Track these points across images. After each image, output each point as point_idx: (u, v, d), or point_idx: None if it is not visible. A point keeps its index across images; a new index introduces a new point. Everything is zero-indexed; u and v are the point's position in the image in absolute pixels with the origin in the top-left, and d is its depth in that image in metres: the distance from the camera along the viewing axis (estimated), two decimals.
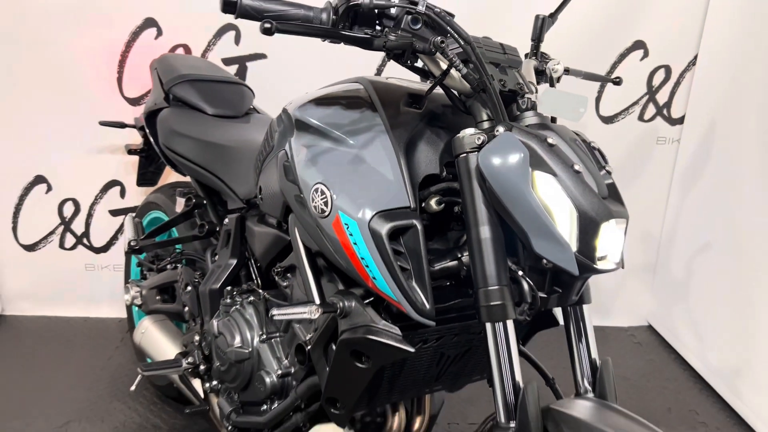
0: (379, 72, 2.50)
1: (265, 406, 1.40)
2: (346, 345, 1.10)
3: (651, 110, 2.60)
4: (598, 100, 2.56)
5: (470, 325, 1.18)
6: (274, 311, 1.15)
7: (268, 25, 0.90)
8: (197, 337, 1.65)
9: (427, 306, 1.03)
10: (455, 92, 1.09)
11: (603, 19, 2.44)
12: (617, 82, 1.43)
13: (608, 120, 2.60)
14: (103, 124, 2.25)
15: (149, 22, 2.41)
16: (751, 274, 2.18)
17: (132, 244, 1.91)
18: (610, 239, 0.96)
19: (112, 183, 2.63)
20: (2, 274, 2.70)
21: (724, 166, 2.37)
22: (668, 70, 2.55)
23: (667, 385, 2.40)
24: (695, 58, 2.53)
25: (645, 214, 2.73)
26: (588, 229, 0.93)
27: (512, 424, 0.96)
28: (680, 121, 2.62)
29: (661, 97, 2.59)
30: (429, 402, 1.39)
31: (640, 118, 2.61)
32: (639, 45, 2.50)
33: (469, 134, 1.00)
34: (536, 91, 1.12)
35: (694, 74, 2.55)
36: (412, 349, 1.05)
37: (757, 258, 2.15)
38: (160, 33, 2.43)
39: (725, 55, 2.37)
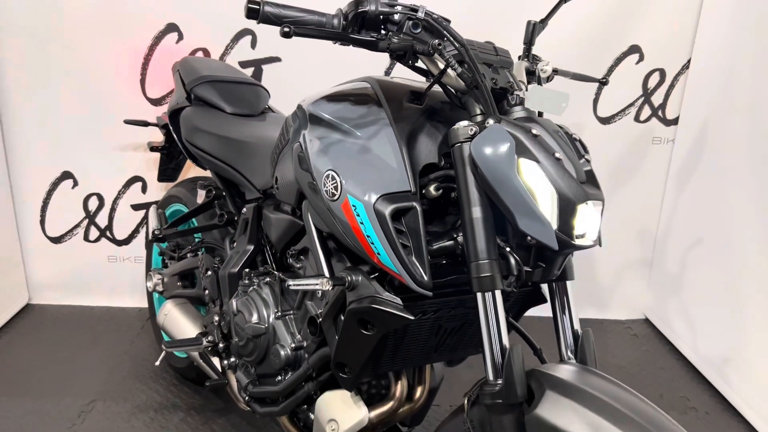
0: (387, 74, 2.63)
1: (279, 377, 1.53)
2: (353, 314, 1.22)
3: (646, 111, 2.71)
4: (595, 102, 2.68)
5: (465, 299, 1.30)
6: (290, 282, 1.29)
7: (287, 29, 1.03)
8: (216, 318, 1.78)
9: (425, 278, 1.15)
10: (452, 89, 1.22)
11: (600, 25, 2.56)
12: (604, 82, 1.55)
13: (605, 121, 2.71)
14: (128, 122, 2.40)
15: (171, 27, 2.55)
16: (741, 268, 2.28)
17: (156, 232, 2.06)
18: (587, 219, 1.07)
19: (135, 179, 2.76)
20: (30, 265, 2.85)
21: (717, 165, 2.47)
22: (663, 73, 2.66)
23: (661, 374, 2.50)
24: (689, 61, 2.64)
25: (641, 211, 2.83)
26: (567, 209, 1.05)
27: (499, 381, 1.07)
28: (675, 122, 2.72)
29: (656, 99, 2.70)
30: (429, 375, 1.51)
31: (636, 119, 2.72)
32: (635, 49, 2.61)
33: (463, 126, 1.12)
34: (526, 89, 1.25)
35: (688, 77, 2.66)
36: (411, 317, 1.17)
37: (746, 252, 2.25)
38: (181, 37, 2.57)
39: (717, 59, 2.48)
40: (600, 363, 1.22)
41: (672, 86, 2.69)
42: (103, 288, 2.88)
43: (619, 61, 2.63)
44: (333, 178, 1.23)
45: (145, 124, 2.40)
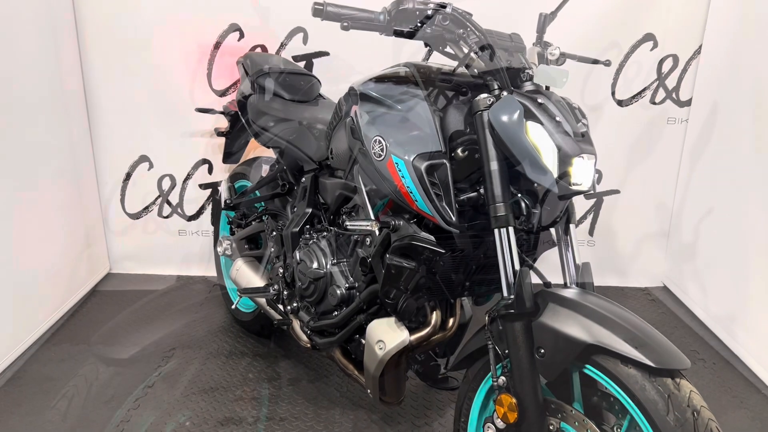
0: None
1: (336, 312, 1.85)
2: (396, 250, 1.53)
3: (661, 94, 2.93)
4: (613, 85, 2.91)
5: (486, 242, 1.60)
6: (348, 223, 1.60)
7: (345, 24, 1.36)
8: (281, 270, 2.12)
9: (453, 219, 1.45)
10: (475, 70, 1.51)
11: (617, 15, 2.79)
12: (607, 63, 1.81)
13: (623, 103, 2.95)
14: (199, 110, 2.76)
15: (233, 27, 2.89)
16: (747, 235, 2.49)
17: (228, 202, 2.41)
18: (581, 169, 1.35)
19: (202, 161, 3.11)
20: (111, 239, 3.23)
21: (726, 142, 2.68)
22: (676, 58, 2.88)
23: (674, 332, 2.74)
24: (700, 47, 2.85)
25: (658, 187, 3.06)
26: (565, 161, 1.33)
27: (512, 296, 1.36)
28: (688, 103, 2.94)
29: (670, 82, 2.91)
30: (459, 310, 1.80)
31: (652, 101, 2.94)
32: (649, 37, 2.84)
33: (483, 97, 1.42)
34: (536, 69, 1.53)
35: (699, 62, 2.87)
36: (442, 251, 1.48)
37: (752, 221, 2.46)
38: (242, 36, 2.90)
39: (726, 44, 2.68)
40: None
41: (684, 70, 2.90)
42: (174, 258, 3.24)
43: (635, 48, 2.86)
44: (380, 142, 1.55)
45: (213, 111, 2.75)
